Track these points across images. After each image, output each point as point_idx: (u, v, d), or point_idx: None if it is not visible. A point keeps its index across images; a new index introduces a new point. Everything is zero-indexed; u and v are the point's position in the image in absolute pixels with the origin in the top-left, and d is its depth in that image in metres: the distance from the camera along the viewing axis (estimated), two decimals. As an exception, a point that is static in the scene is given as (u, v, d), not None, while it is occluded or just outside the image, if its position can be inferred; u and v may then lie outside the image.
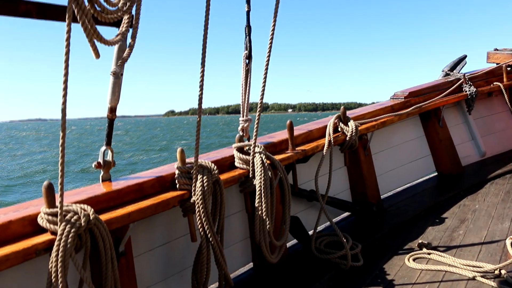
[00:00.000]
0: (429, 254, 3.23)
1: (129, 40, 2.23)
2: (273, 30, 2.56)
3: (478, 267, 2.92)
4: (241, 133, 3.02)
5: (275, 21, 2.54)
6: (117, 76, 2.32)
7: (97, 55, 1.86)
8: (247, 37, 2.94)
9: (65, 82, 1.68)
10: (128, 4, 1.98)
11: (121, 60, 2.24)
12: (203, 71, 2.28)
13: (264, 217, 2.73)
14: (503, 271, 2.82)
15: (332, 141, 3.57)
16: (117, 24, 2.15)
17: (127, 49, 2.21)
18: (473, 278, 2.85)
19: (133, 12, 2.15)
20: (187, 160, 2.50)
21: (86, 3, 1.78)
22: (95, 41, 1.83)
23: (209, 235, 2.41)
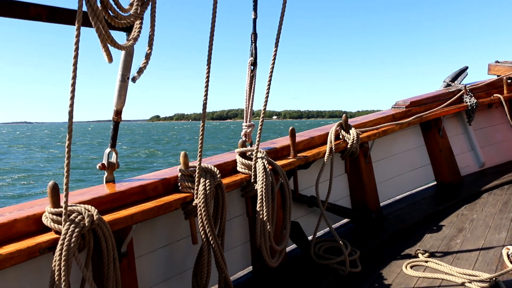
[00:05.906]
0: (426, 262, 3.26)
1: (145, 48, 2.18)
2: (278, 37, 2.58)
3: (474, 275, 2.95)
4: (244, 138, 3.05)
5: (280, 28, 2.57)
6: (124, 79, 2.35)
7: (110, 59, 1.87)
8: (253, 44, 2.97)
9: (73, 85, 1.68)
10: (139, 9, 2.00)
11: (139, 70, 2.22)
12: (208, 77, 2.29)
13: (265, 222, 2.76)
14: (498, 280, 2.84)
15: (333, 148, 3.61)
16: (128, 29, 2.15)
17: (144, 59, 2.18)
18: (470, 287, 2.88)
19: (148, 18, 2.12)
20: (190, 164, 2.54)
21: (99, 7, 1.79)
22: (108, 45, 1.85)
23: (210, 238, 2.43)
